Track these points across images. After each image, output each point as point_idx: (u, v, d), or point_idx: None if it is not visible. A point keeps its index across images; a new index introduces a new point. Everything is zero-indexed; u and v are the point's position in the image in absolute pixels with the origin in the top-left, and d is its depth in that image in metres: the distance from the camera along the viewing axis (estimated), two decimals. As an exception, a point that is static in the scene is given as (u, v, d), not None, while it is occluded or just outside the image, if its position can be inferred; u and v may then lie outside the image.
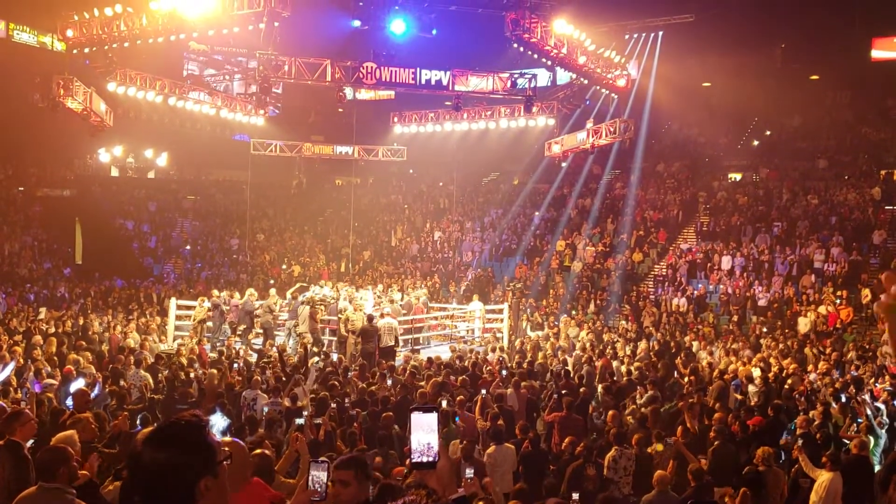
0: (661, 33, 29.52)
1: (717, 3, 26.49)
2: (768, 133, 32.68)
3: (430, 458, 2.27)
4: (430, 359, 15.93)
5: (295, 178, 37.49)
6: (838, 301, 21.27)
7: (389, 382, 13.82)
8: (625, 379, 14.64)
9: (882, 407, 12.38)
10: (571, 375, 14.42)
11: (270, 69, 20.86)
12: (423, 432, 2.27)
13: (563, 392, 12.60)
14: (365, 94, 34.83)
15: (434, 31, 23.50)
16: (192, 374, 13.79)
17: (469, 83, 23.20)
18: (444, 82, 22.60)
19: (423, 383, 12.98)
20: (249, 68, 26.01)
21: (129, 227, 31.49)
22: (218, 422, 9.12)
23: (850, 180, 27.71)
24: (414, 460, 2.27)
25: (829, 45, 28.38)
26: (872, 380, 14.42)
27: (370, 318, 17.55)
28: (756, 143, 32.78)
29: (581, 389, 13.36)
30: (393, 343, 17.58)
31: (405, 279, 27.50)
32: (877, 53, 29.08)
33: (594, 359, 16.17)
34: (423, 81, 22.44)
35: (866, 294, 21.29)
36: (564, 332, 20.18)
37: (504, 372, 14.80)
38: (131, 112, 28.79)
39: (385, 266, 31.02)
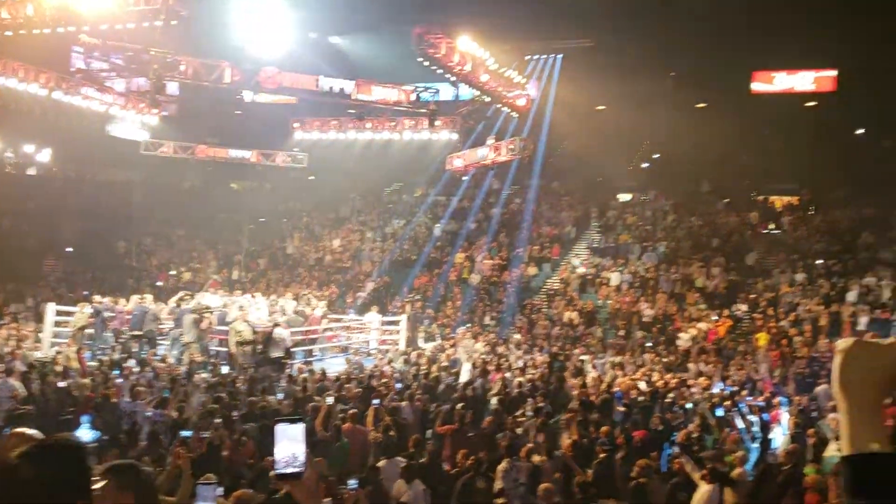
0: (560, 56, 30.44)
1: (615, 30, 27.55)
2: (657, 156, 34.18)
3: (296, 469, 2.26)
4: (323, 371, 15.76)
5: (187, 181, 36.28)
6: (717, 318, 22.46)
7: (280, 395, 13.58)
8: (517, 391, 14.92)
9: (755, 420, 13.17)
10: (465, 387, 14.58)
11: (165, 68, 20.17)
12: (289, 442, 2.26)
13: (457, 405, 12.72)
14: (266, 98, 34.19)
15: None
16: (65, 384, 13.06)
17: (373, 93, 23.20)
18: (347, 91, 22.50)
19: (317, 396, 12.83)
20: (143, 66, 25.03)
21: (3, 225, 29.61)
22: (83, 435, 8.70)
23: (730, 204, 29.36)
24: (279, 471, 2.26)
25: (715, 77, 30.04)
26: (745, 392, 15.27)
27: (262, 328, 17.19)
28: (645, 165, 34.21)
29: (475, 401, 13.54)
30: (282, 354, 17.25)
31: (301, 288, 27.06)
32: (756, 86, 31.02)
33: (488, 371, 16.40)
34: (326, 89, 22.26)
35: (740, 308, 22.68)
36: (461, 344, 20.39)
37: (400, 385, 14.83)
38: (11, 104, 27.12)
39: (280, 274, 30.44)
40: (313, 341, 20.82)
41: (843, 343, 1.67)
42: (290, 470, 2.25)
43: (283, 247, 33.20)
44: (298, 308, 21.14)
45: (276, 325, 17.73)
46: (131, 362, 15.94)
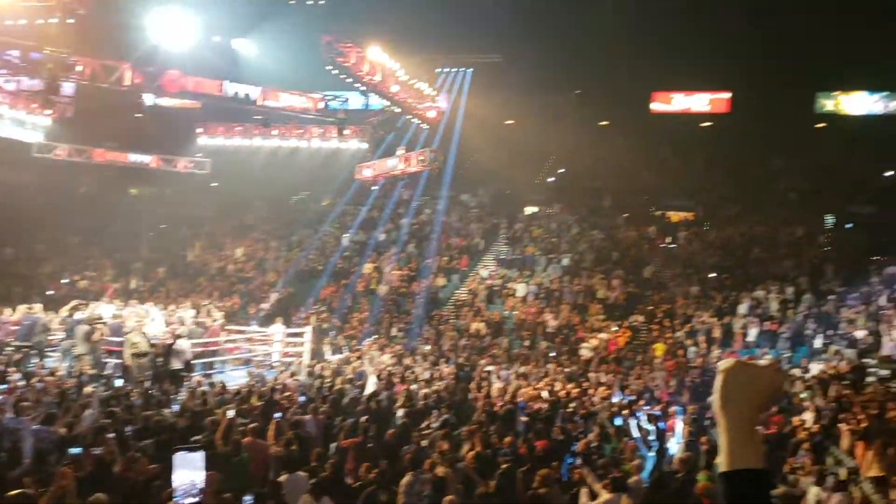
0: (470, 70, 30.86)
1: (522, 47, 28.15)
2: (562, 171, 35.04)
3: (195, 499, 2.18)
4: (224, 384, 15.31)
5: (83, 186, 34.65)
6: (617, 329, 23.16)
7: (176, 408, 13.09)
8: (422, 403, 14.90)
9: (651, 428, 13.60)
10: (370, 400, 14.45)
11: (61, 68, 19.21)
12: (188, 470, 2.17)
13: (361, 417, 12.59)
14: (169, 102, 33.09)
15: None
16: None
17: (280, 100, 22.79)
18: (254, 97, 22.03)
19: (217, 410, 12.44)
20: (36, 65, 23.75)
21: None
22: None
23: (630, 218, 30.40)
24: (177, 500, 2.16)
25: (617, 96, 31.14)
26: (642, 402, 15.75)
27: (160, 340, 16.56)
28: (551, 179, 35.00)
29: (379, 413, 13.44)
30: (182, 367, 16.67)
31: (202, 298, 26.22)
32: (655, 106, 32.33)
33: (394, 383, 16.32)
34: (231, 94, 21.71)
35: (638, 320, 23.48)
36: (367, 356, 20.23)
37: (303, 398, 14.56)
38: None
39: (180, 284, 29.42)
40: (214, 353, 20.20)
41: (724, 363, 1.73)
42: (188, 500, 2.16)
43: (183, 255, 32.13)
44: (198, 319, 20.48)
45: (178, 336, 17.11)
46: (16, 376, 15.01)
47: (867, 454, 11.95)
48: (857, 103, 29.89)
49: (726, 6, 25.96)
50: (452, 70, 30.83)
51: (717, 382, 1.70)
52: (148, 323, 18.42)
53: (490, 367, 19.01)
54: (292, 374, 17.20)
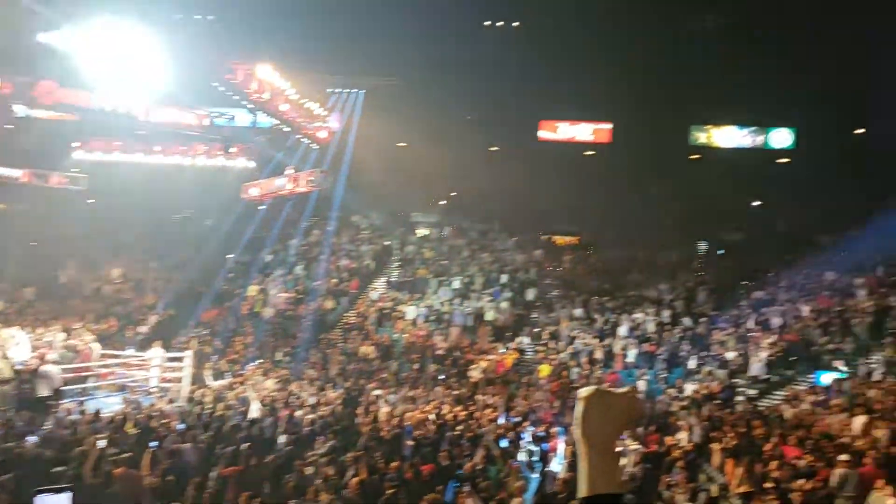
0: (363, 92, 30.86)
1: (415, 71, 28.42)
2: (454, 194, 35.48)
3: None
4: (97, 411, 14.47)
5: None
6: (505, 350, 23.54)
7: (36, 439, 12.25)
8: (307, 429, 14.59)
9: (535, 449, 13.82)
10: (252, 426, 14.03)
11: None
12: None
13: (243, 444, 12.19)
14: (43, 114, 31.27)
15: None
16: None
17: (162, 116, 22.01)
18: (135, 112, 21.16)
19: (88, 439, 11.72)
20: None
21: None
22: None
23: (518, 242, 31.09)
24: None
25: (506, 123, 31.92)
26: (527, 423, 16.01)
27: (25, 365, 15.48)
28: (443, 202, 35.38)
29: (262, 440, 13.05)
30: (49, 394, 15.64)
31: (74, 321, 24.73)
32: (542, 134, 33.33)
33: (278, 408, 15.91)
34: (111, 108, 20.77)
35: (522, 341, 23.98)
36: (251, 381, 19.64)
37: (182, 425, 13.97)
38: None
39: (51, 305, 27.64)
40: (86, 379, 19.06)
41: (583, 391, 1.76)
42: None
43: (55, 275, 30.27)
44: (69, 342, 19.31)
45: (45, 361, 16.05)
46: None
47: (736, 471, 12.61)
48: (728, 137, 31.87)
49: (609, 41, 27.15)
50: (345, 91, 30.72)
51: (577, 410, 1.73)
52: (12, 347, 17.20)
53: (378, 392, 18.86)
54: (171, 401, 16.49)
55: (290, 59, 22.81)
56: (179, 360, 20.63)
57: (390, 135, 31.36)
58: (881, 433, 13.51)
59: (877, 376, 17.99)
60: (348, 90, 31.13)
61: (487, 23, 27.57)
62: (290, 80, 22.37)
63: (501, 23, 27.58)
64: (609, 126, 32.46)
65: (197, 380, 19.89)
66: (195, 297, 27.72)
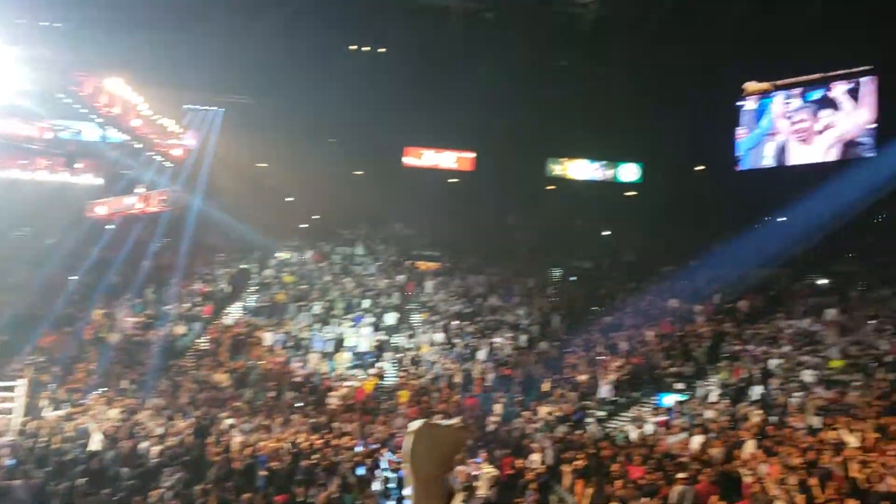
0: (222, 110, 29.98)
1: (274, 91, 27.90)
2: (316, 217, 35.07)
3: None
4: None
5: None
6: (365, 376, 23.39)
7: None
8: (155, 461, 13.83)
9: (392, 476, 13.77)
10: (90, 459, 13.15)
11: None
12: None
13: (80, 479, 11.39)
14: None
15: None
16: None
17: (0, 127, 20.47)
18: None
19: None
20: None
21: None
22: None
23: (381, 267, 31.11)
24: None
25: (371, 148, 31.97)
26: (385, 449, 15.93)
27: None
28: (304, 226, 34.86)
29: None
30: None
31: None
32: (407, 160, 33.64)
33: (121, 440, 14.99)
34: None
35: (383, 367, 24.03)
36: (92, 411, 18.40)
37: (13, 460, 12.92)
38: None
39: None
40: None
41: (413, 424, 1.79)
42: None
43: None
44: None
45: None
46: None
47: (586, 491, 13.10)
48: (580, 169, 33.45)
49: (473, 73, 27.88)
50: (202, 108, 29.72)
51: (405, 443, 1.75)
52: None
53: (231, 421, 18.17)
54: (0, 434, 15.17)
55: (144, 73, 21.86)
56: (11, 389, 19.03)
57: (250, 155, 30.64)
58: (716, 451, 14.49)
59: (713, 398, 19.29)
60: (206, 108, 30.14)
61: (353, 47, 27.54)
62: (143, 94, 21.44)
63: (368, 48, 27.65)
64: (472, 155, 33.20)
65: (31, 410, 18.42)
66: (33, 320, 25.68)
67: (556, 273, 31.52)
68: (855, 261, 25.94)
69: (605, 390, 21.55)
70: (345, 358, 24.60)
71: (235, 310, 28.13)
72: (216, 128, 29.70)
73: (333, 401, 21.50)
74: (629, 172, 33.11)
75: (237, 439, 15.95)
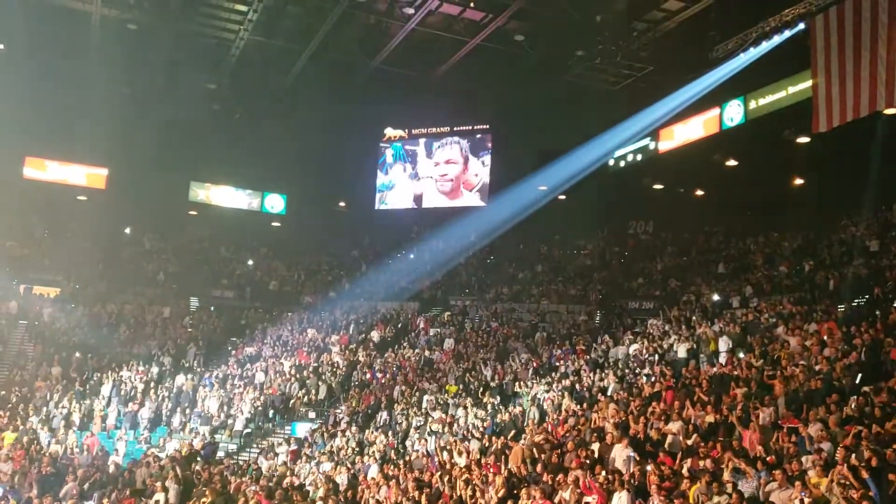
0: None
1: None
2: None
3: None
4: None
5: None
6: None
7: None
8: None
9: None
10: None
11: None
12: None
13: None
14: None
15: None
16: None
17: None
18: None
19: None
20: None
21: None
22: None
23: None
24: None
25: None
26: None
27: None
28: None
29: None
30: None
31: None
32: (28, 172, 29.84)
33: None
34: None
35: None
36: None
37: None
38: None
39: None
40: None
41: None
42: None
43: None
44: None
45: None
46: None
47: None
48: (225, 196, 32.83)
49: (108, 83, 25.95)
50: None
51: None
52: None
53: None
54: None
55: None
56: None
57: None
58: (341, 477, 15.21)
59: (343, 425, 20.11)
60: None
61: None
62: None
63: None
64: (105, 172, 30.58)
65: None
66: None
67: (195, 302, 30.25)
68: (469, 296, 29.20)
69: (238, 422, 21.35)
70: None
71: None
72: None
73: None
74: (274, 202, 33.46)
75: None
